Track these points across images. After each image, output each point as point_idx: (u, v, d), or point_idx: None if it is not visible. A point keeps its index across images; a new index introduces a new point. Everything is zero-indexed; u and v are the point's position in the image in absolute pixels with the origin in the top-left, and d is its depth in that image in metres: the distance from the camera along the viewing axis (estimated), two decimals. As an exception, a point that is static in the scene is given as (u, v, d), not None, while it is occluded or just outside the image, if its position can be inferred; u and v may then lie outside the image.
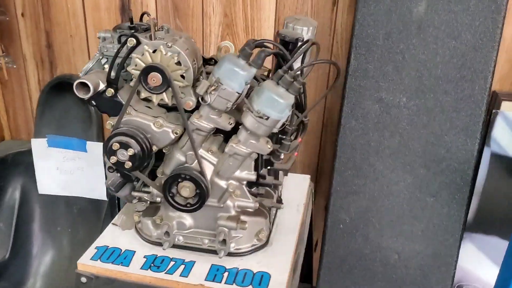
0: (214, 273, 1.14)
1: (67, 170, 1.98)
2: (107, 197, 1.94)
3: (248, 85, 1.03)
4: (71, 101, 1.93)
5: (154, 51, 1.02)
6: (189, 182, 1.10)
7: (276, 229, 1.31)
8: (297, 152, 1.23)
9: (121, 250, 1.21)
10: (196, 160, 1.11)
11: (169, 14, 1.72)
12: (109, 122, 1.11)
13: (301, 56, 1.11)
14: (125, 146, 1.06)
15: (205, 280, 1.12)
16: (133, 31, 1.17)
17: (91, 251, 1.21)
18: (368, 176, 1.45)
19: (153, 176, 1.20)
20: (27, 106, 2.04)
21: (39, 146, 1.94)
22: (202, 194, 1.10)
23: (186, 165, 1.12)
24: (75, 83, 1.07)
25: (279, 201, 1.37)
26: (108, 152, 1.08)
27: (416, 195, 1.43)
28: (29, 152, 1.95)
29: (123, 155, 1.08)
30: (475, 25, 1.32)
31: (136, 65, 1.03)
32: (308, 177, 1.55)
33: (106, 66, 1.17)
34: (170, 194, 1.12)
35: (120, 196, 1.26)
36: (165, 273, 1.14)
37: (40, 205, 2.04)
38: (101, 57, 1.20)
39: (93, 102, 1.11)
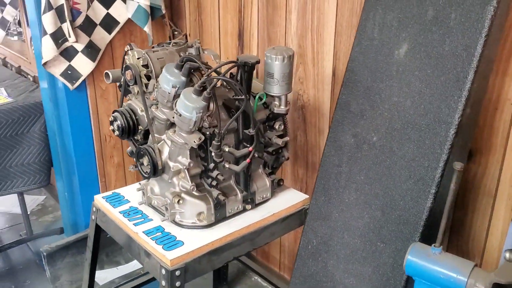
0: (153, 230, 1.49)
1: None
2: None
3: (176, 88, 1.35)
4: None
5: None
6: (146, 156, 1.48)
7: (229, 222, 1.54)
8: (249, 159, 1.44)
9: (123, 197, 1.68)
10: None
11: (264, 42, 2.07)
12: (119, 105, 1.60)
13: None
14: (115, 119, 1.53)
15: (143, 232, 1.48)
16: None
17: (109, 193, 1.71)
18: (336, 206, 1.49)
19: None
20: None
21: None
22: (151, 167, 1.46)
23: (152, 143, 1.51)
24: (105, 73, 1.59)
25: (249, 202, 1.58)
26: (110, 122, 1.56)
27: (369, 237, 1.40)
28: None
29: (114, 125, 1.54)
30: (446, 72, 1.25)
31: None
32: (305, 197, 1.68)
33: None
34: (139, 162, 1.52)
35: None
36: (128, 219, 1.55)
37: None
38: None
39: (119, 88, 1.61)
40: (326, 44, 1.82)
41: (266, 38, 2.05)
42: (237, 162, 1.49)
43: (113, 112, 1.54)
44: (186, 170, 1.45)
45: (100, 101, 2.40)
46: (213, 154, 1.39)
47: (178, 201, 1.46)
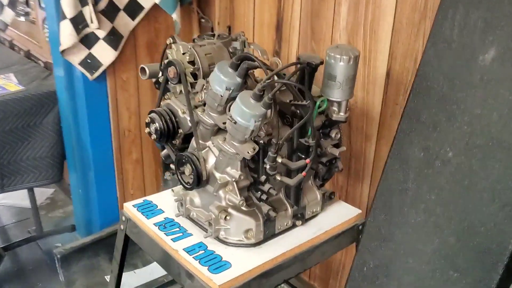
0: (194, 247, 1.33)
1: None
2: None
3: (230, 91, 1.18)
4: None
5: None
6: (189, 165, 1.31)
7: (278, 239, 1.38)
8: (305, 173, 1.28)
9: (156, 206, 1.51)
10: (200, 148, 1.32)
11: (307, 36, 1.89)
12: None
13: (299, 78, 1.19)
14: (152, 121, 1.36)
15: (183, 249, 1.32)
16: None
17: (139, 200, 1.55)
18: (399, 226, 1.33)
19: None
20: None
21: None
22: (194, 177, 1.30)
23: (195, 151, 1.34)
24: (140, 67, 1.41)
25: (299, 217, 1.43)
26: (146, 124, 1.39)
27: (440, 264, 1.25)
28: None
29: (151, 127, 1.37)
30: (547, 85, 1.09)
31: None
32: (358, 211, 1.52)
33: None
34: (179, 171, 1.36)
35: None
36: (165, 233, 1.39)
37: None
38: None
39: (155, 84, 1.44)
40: (381, 42, 1.65)
41: (310, 32, 1.88)
42: (289, 174, 1.33)
43: (149, 113, 1.37)
44: (234, 183, 1.29)
45: (120, 92, 2.23)
46: (267, 166, 1.23)
47: (225, 217, 1.29)
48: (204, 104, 1.28)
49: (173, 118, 1.36)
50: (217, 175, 1.30)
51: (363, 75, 1.74)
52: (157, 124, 1.34)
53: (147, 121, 1.37)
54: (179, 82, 1.28)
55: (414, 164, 1.32)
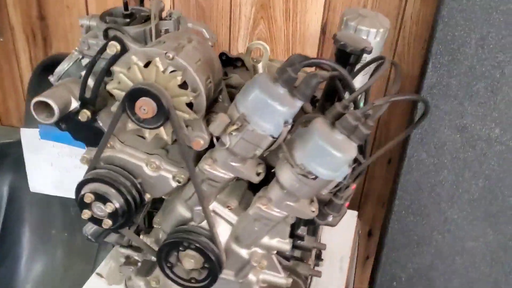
0: None
1: (63, 167, 1.67)
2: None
3: (289, 126, 0.67)
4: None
5: (146, 64, 0.67)
6: (195, 251, 0.76)
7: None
8: (348, 202, 0.87)
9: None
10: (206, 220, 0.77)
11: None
12: (84, 156, 0.78)
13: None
14: (102, 199, 0.73)
15: None
16: (127, 21, 0.83)
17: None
18: (437, 226, 1.09)
19: (149, 218, 0.89)
20: (17, 87, 1.71)
21: (30, 138, 1.62)
22: (212, 270, 0.77)
23: (191, 223, 0.79)
24: (32, 103, 0.72)
25: (318, 256, 1.03)
26: (79, 203, 0.75)
27: (499, 257, 1.07)
28: (19, 143, 1.64)
29: (100, 210, 0.74)
30: None
31: (119, 83, 0.68)
32: (355, 213, 1.20)
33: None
34: (168, 264, 0.79)
35: (105, 245, 0.94)
36: None
37: (31, 205, 1.75)
38: (81, 57, 0.85)
39: (62, 126, 0.77)
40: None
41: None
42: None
43: (83, 184, 0.73)
44: (273, 256, 0.81)
45: None
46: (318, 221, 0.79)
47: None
48: (207, 148, 0.72)
49: (135, 182, 0.75)
50: (243, 252, 0.79)
51: (285, 34, 1.33)
52: (115, 203, 0.72)
53: (87, 200, 0.73)
54: (162, 125, 0.67)
55: (448, 149, 1.05)
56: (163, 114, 0.66)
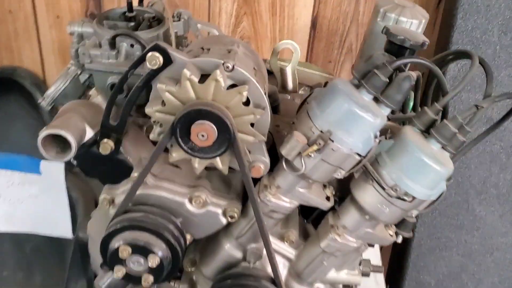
0: None
1: (14, 198, 1.43)
2: (73, 234, 1.42)
3: (378, 141, 0.56)
4: (15, 104, 1.38)
5: (201, 79, 0.52)
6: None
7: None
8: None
9: None
10: (260, 260, 0.64)
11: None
12: (105, 197, 0.62)
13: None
14: (143, 251, 0.58)
15: None
16: (131, 24, 0.68)
17: None
18: (465, 224, 1.03)
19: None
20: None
21: (-30, 168, 1.39)
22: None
23: (243, 264, 0.65)
24: (41, 137, 0.56)
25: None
26: (110, 260, 0.59)
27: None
28: (-42, 174, 1.39)
29: (140, 264, 0.59)
30: None
31: (164, 104, 0.54)
32: (381, 278, 1.06)
33: (92, 87, 0.67)
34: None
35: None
36: None
37: (-22, 243, 1.50)
38: (79, 72, 0.69)
39: (73, 162, 0.61)
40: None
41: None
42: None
43: (112, 235, 0.58)
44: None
45: None
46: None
47: None
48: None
49: (177, 223, 0.61)
50: (308, 291, 0.67)
51: (272, 30, 1.21)
52: (158, 254, 0.58)
53: (123, 255, 0.57)
54: (223, 152, 0.53)
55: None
56: (226, 140, 0.53)
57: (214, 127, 0.52)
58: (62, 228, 1.37)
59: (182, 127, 0.52)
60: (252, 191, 0.56)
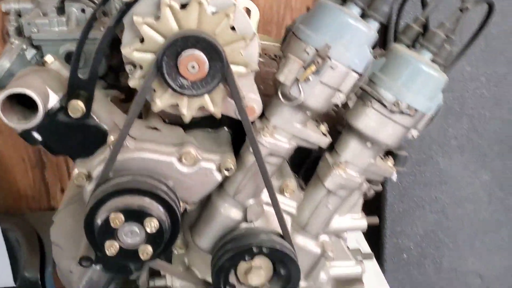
0: None
1: None
2: (15, 283, 1.25)
3: (374, 57, 0.53)
4: None
5: (184, 5, 0.48)
6: (265, 257, 0.57)
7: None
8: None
9: None
10: (262, 217, 0.59)
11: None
12: (80, 172, 0.54)
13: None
14: (138, 215, 0.50)
15: None
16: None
17: None
18: (433, 180, 1.04)
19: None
20: None
21: None
22: (291, 274, 0.58)
23: (244, 225, 0.59)
24: (0, 99, 0.48)
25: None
26: (100, 234, 0.51)
27: (496, 195, 1.06)
28: None
29: (135, 234, 0.51)
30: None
31: (142, 41, 0.48)
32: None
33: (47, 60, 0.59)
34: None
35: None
36: None
37: None
38: (24, 47, 0.61)
39: (36, 136, 0.53)
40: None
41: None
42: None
43: (98, 205, 0.50)
44: (342, 241, 0.66)
45: None
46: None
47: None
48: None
49: (169, 186, 0.54)
50: (311, 244, 0.63)
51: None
52: (157, 217, 0.50)
53: (115, 224, 0.50)
54: (215, 87, 0.48)
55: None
56: (219, 70, 0.48)
57: (204, 55, 0.47)
58: (2, 277, 1.23)
59: (168, 61, 0.47)
60: (250, 127, 0.51)
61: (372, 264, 0.86)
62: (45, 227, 1.25)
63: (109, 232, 0.50)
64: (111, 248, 0.51)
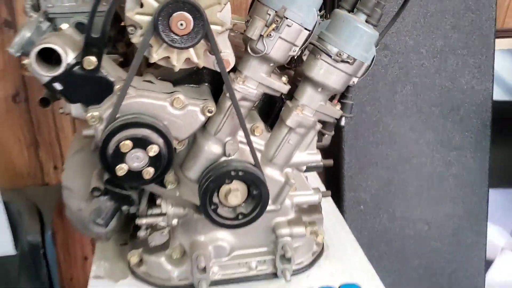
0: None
1: None
2: (15, 250, 1.38)
3: (319, 17, 0.70)
4: None
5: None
6: (239, 181, 0.72)
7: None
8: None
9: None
10: (237, 151, 0.74)
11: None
12: (93, 115, 0.68)
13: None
14: (143, 142, 0.65)
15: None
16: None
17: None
18: (383, 140, 1.20)
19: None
20: None
21: None
22: (262, 194, 0.74)
23: (223, 158, 0.75)
24: (34, 52, 0.62)
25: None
26: (113, 158, 0.65)
27: (438, 152, 1.23)
28: None
29: (139, 158, 0.66)
30: None
31: (141, 6, 0.63)
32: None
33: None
34: (213, 207, 0.73)
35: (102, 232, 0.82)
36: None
37: None
38: (41, 20, 0.75)
39: (57, 86, 0.67)
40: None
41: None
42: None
43: (112, 135, 0.65)
44: (302, 175, 0.82)
45: None
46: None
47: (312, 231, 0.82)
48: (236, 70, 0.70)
49: (164, 124, 0.69)
50: (276, 174, 0.78)
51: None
52: (157, 144, 0.65)
53: (124, 149, 0.64)
54: (199, 40, 0.63)
55: (378, 68, 1.18)
56: (201, 27, 0.63)
57: (189, 16, 0.62)
58: (3, 245, 1.34)
59: (162, 21, 0.61)
60: (226, 75, 0.67)
61: (330, 205, 1.02)
62: (41, 198, 1.38)
63: (120, 156, 0.65)
64: (121, 170, 0.65)
